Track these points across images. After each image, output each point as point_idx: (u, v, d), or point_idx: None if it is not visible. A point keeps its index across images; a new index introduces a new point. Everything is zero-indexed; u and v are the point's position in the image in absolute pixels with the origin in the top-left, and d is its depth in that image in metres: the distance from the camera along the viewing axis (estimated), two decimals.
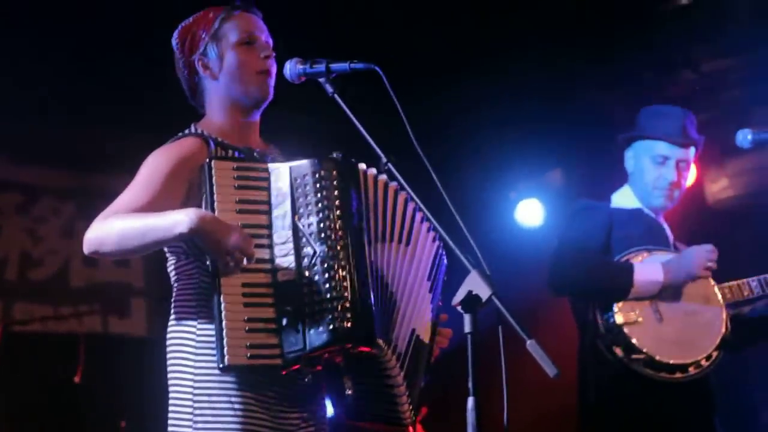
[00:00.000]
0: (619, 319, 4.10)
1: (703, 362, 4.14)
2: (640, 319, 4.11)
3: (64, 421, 6.12)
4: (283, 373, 2.80)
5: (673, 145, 4.37)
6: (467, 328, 2.53)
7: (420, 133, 2.76)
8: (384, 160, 2.79)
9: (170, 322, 2.96)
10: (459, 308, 2.55)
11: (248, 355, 2.74)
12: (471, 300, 2.53)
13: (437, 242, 3.07)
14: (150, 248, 2.86)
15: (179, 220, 2.72)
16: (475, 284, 2.53)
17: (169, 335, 2.95)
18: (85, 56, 5.76)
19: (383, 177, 2.97)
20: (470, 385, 2.51)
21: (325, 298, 2.76)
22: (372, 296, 2.84)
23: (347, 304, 2.76)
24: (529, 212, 7.38)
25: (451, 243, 2.63)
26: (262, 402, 2.85)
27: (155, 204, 2.83)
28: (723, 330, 4.20)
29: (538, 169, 7.38)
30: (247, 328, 2.75)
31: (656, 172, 4.36)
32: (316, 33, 5.42)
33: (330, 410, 3.05)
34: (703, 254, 4.17)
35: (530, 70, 6.32)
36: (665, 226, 4.45)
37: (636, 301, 4.13)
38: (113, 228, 2.80)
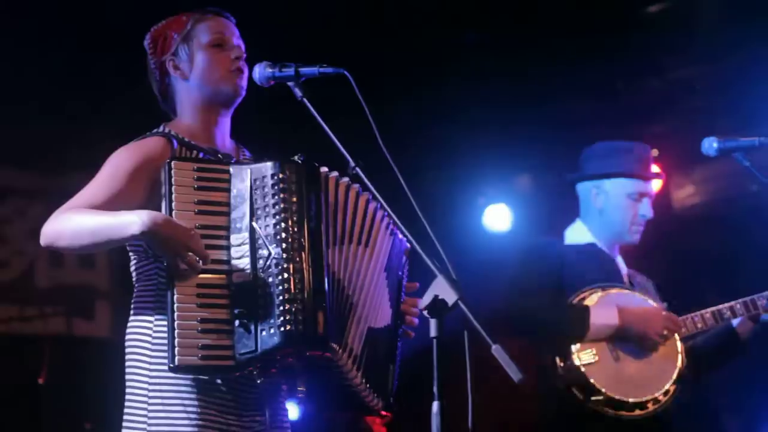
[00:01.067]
0: (576, 360, 4.14)
1: (661, 397, 4.19)
2: (597, 359, 4.15)
3: (27, 423, 6.08)
4: (236, 374, 2.80)
5: (646, 181, 4.42)
6: (433, 333, 2.53)
7: (388, 137, 2.76)
8: (352, 164, 2.79)
9: (129, 321, 2.96)
10: (425, 313, 2.55)
11: (200, 355, 2.73)
12: (437, 305, 2.53)
13: (395, 234, 3.08)
14: (102, 246, 2.90)
15: (131, 221, 2.72)
16: (442, 289, 2.53)
17: (127, 334, 2.95)
18: (52, 57, 5.73)
19: (345, 180, 2.97)
20: (435, 389, 2.51)
21: (279, 300, 2.75)
22: (327, 299, 2.83)
23: (300, 307, 2.76)
24: (497, 217, 7.40)
25: (417, 247, 2.63)
26: (216, 405, 2.84)
27: (115, 202, 2.84)
28: (679, 365, 4.25)
29: (507, 173, 7.40)
30: (199, 329, 2.74)
31: (634, 209, 4.40)
32: (285, 37, 5.42)
33: (296, 411, 3.06)
34: (662, 322, 4.21)
35: (499, 75, 6.34)
36: (619, 260, 4.48)
37: (592, 342, 4.17)
38: (69, 223, 2.81)
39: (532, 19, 6.03)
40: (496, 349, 2.44)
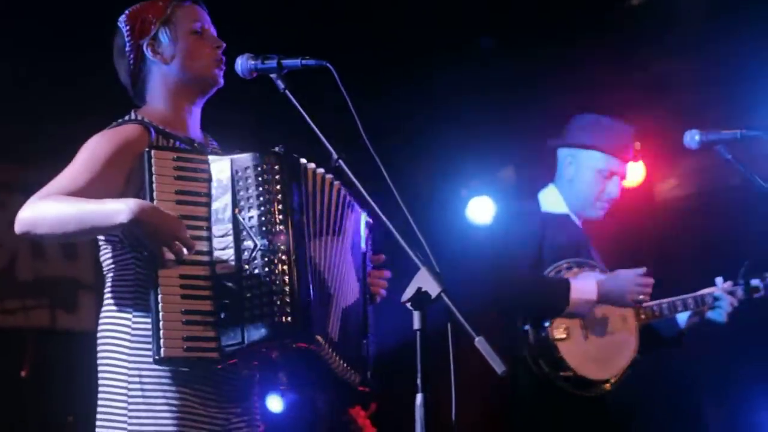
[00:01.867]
0: (551, 334, 4.16)
1: (613, 379, 4.25)
2: (566, 335, 4.18)
3: (10, 416, 6.06)
4: (219, 367, 2.79)
5: (621, 161, 4.44)
6: (416, 325, 2.54)
7: (371, 129, 2.76)
8: (335, 156, 2.79)
9: (103, 314, 2.92)
10: (408, 305, 2.55)
11: (185, 347, 2.72)
12: (420, 297, 2.53)
13: (356, 210, 3.10)
14: (86, 235, 2.87)
15: (119, 209, 2.69)
16: (425, 281, 2.54)
17: (101, 327, 2.91)
18: (29, 50, 5.70)
19: (321, 170, 2.99)
20: (419, 381, 2.51)
21: (265, 292, 2.76)
22: (311, 291, 2.84)
23: (287, 299, 2.76)
24: (481, 209, 7.40)
25: (400, 240, 2.63)
26: (199, 397, 2.84)
27: (92, 189, 2.80)
28: (634, 351, 4.34)
29: (490, 166, 7.41)
30: (184, 321, 2.73)
31: (601, 185, 4.42)
32: (267, 29, 5.41)
33: (279, 404, 3.07)
34: (637, 285, 4.24)
35: (482, 68, 6.34)
36: (587, 236, 4.50)
37: (566, 317, 4.20)
38: (49, 210, 2.76)
39: (514, 14, 6.03)
40: (479, 341, 2.45)
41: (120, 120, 3.00)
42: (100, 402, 2.87)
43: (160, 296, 2.72)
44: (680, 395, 5.87)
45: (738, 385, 6.37)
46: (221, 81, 3.06)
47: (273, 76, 2.92)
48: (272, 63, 2.91)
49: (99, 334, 2.91)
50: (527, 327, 4.22)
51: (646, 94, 6.51)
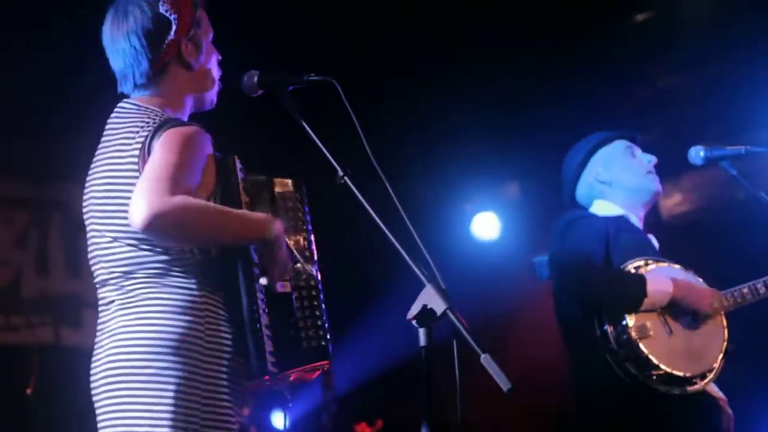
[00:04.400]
0: (633, 333, 4.06)
1: (708, 374, 4.15)
2: (651, 333, 4.09)
3: None
4: (268, 380, 2.75)
5: (627, 140, 4.41)
6: (422, 342, 2.53)
7: (376, 145, 2.77)
8: (340, 173, 2.78)
9: (153, 323, 2.68)
10: (414, 322, 2.55)
11: (272, 361, 2.72)
12: (426, 314, 2.53)
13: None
14: (229, 242, 2.71)
15: (267, 223, 2.69)
16: (430, 298, 2.53)
17: (154, 337, 2.66)
18: (33, 66, 5.71)
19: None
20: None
21: (317, 315, 2.87)
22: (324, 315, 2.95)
23: (325, 324, 2.89)
24: (485, 225, 7.41)
25: (406, 256, 2.62)
26: (235, 404, 2.76)
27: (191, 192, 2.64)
28: (726, 339, 4.17)
29: (494, 181, 7.41)
30: (267, 334, 2.73)
31: (636, 160, 4.36)
32: (272, 44, 5.43)
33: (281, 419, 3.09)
34: (712, 295, 4.16)
35: (487, 84, 6.35)
36: (650, 235, 4.44)
37: (646, 313, 4.11)
38: (212, 213, 2.63)
39: (520, 28, 6.04)
40: (485, 359, 2.44)
41: (178, 120, 2.80)
42: (165, 408, 2.64)
43: (262, 309, 2.72)
44: None
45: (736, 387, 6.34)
46: (215, 102, 3.01)
47: (278, 92, 2.90)
48: (277, 80, 2.90)
49: (150, 344, 2.67)
50: (606, 328, 4.12)
51: (650, 109, 6.53)
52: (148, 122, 2.76)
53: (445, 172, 7.21)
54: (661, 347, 4.06)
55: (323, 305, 2.91)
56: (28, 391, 5.88)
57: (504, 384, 2.43)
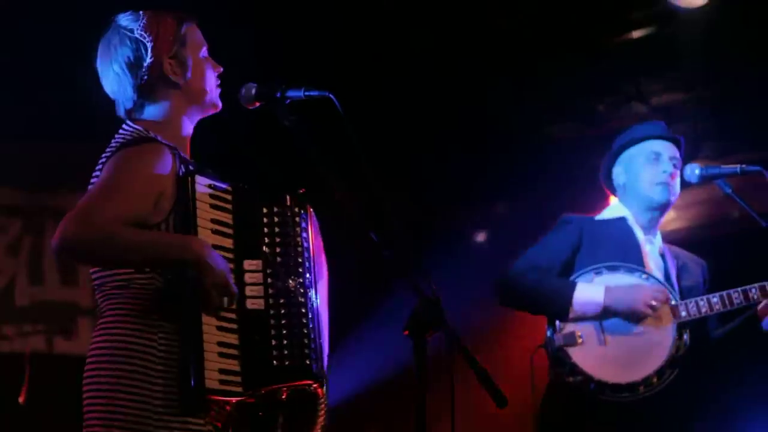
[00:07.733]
0: (559, 339, 4.15)
1: (654, 380, 4.15)
2: (581, 341, 4.15)
3: None
4: (251, 403, 2.70)
5: (663, 140, 4.40)
6: (416, 354, 2.54)
7: (370, 159, 2.77)
8: (336, 187, 2.77)
9: (112, 339, 2.75)
10: (407, 334, 2.55)
11: (220, 380, 2.63)
12: (419, 326, 2.54)
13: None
14: (145, 266, 2.70)
15: (187, 246, 2.62)
16: (424, 310, 2.54)
17: (108, 353, 2.76)
18: (30, 72, 5.71)
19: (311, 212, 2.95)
20: (417, 408, 2.50)
21: (295, 333, 2.74)
22: (321, 332, 2.84)
23: (313, 345, 2.76)
24: (481, 239, 7.42)
25: (400, 269, 2.63)
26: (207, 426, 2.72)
27: (135, 215, 2.66)
28: (673, 349, 4.18)
29: (486, 198, 7.42)
30: (219, 352, 2.65)
31: (652, 169, 4.35)
32: (268, 58, 5.44)
33: None
34: (650, 293, 4.18)
35: (479, 100, 6.37)
36: (648, 237, 4.41)
37: (580, 321, 4.17)
38: (120, 237, 2.61)
39: (514, 45, 6.05)
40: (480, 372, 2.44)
41: (134, 134, 2.83)
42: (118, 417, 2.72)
43: (203, 326, 2.63)
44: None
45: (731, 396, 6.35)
46: (220, 106, 3.02)
47: (276, 105, 2.88)
48: (275, 93, 2.88)
49: (106, 359, 2.77)
50: (548, 333, 4.21)
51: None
52: (118, 143, 2.82)
53: (440, 185, 7.21)
54: (590, 354, 4.12)
55: (315, 324, 2.79)
56: (20, 399, 5.86)
57: (499, 400, 2.44)
